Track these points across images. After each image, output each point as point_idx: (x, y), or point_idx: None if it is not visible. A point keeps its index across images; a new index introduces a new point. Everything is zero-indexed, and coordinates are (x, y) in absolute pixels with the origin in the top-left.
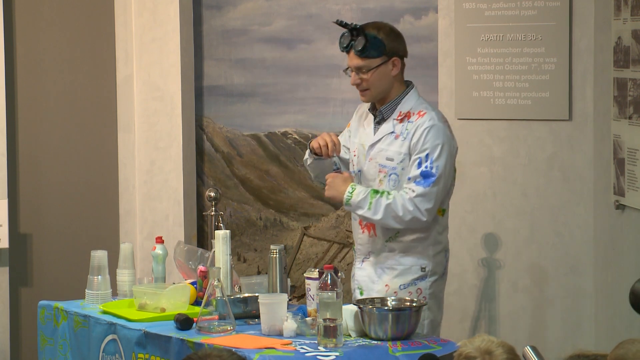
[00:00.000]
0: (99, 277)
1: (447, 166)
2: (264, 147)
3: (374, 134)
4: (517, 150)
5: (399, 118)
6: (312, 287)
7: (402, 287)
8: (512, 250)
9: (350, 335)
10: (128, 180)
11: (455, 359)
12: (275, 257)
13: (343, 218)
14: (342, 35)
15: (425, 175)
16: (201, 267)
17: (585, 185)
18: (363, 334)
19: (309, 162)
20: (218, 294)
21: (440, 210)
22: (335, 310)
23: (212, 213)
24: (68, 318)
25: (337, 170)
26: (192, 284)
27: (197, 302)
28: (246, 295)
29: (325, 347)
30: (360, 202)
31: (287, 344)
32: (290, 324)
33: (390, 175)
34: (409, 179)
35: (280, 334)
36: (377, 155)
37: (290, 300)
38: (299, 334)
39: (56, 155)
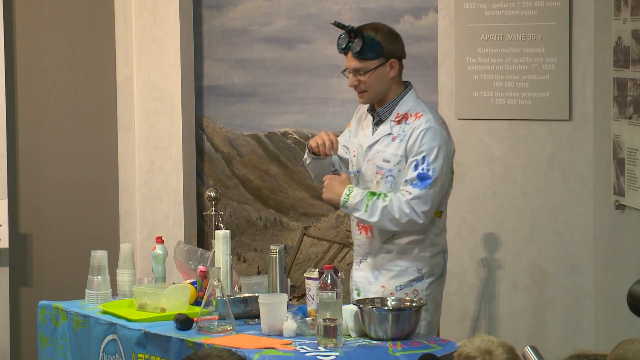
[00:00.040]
0: (99, 277)
1: (444, 168)
2: (264, 147)
3: (372, 135)
4: (517, 150)
5: (397, 120)
6: (312, 287)
7: (398, 288)
8: (512, 250)
9: (350, 335)
10: (128, 180)
11: (455, 359)
12: (275, 257)
13: (343, 218)
14: (340, 36)
15: (421, 178)
16: (201, 267)
17: (585, 185)
18: (363, 334)
19: (308, 162)
20: (218, 294)
21: (438, 212)
22: (335, 310)
23: (212, 213)
24: (68, 318)
25: (335, 172)
26: (192, 284)
27: (197, 302)
28: (246, 295)
29: (325, 347)
30: (357, 204)
31: (287, 344)
32: (290, 324)
33: (387, 177)
34: (406, 181)
35: (280, 334)
36: (375, 157)
37: (290, 300)
38: (299, 334)
39: (56, 155)
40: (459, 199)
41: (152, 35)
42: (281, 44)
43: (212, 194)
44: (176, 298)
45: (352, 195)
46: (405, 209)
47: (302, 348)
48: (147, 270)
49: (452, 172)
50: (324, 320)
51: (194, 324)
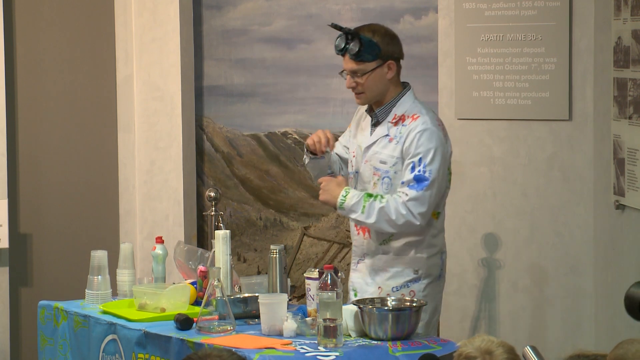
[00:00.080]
0: (99, 277)
1: (441, 170)
2: (264, 147)
3: (370, 135)
4: (517, 150)
5: (394, 121)
6: (312, 287)
7: (394, 289)
8: (512, 250)
9: (350, 335)
10: (128, 180)
11: (455, 359)
12: (275, 257)
13: (343, 218)
14: (337, 38)
15: (418, 179)
16: (201, 267)
17: (585, 185)
18: (363, 334)
19: (307, 162)
20: (218, 294)
21: (435, 214)
22: (335, 310)
23: (212, 213)
24: (68, 318)
25: (331, 174)
26: (192, 284)
27: (197, 302)
28: (246, 295)
29: (325, 347)
30: (354, 205)
31: (287, 344)
32: (290, 324)
33: (383, 178)
34: (402, 182)
35: (280, 334)
36: (372, 158)
37: (290, 300)
38: (299, 334)
39: (56, 155)
40: (459, 199)
41: (152, 35)
42: (281, 44)
43: (212, 194)
44: (176, 298)
45: (349, 196)
46: (402, 210)
47: (302, 348)
48: (147, 270)
49: (450, 174)
50: (324, 320)
51: (194, 324)
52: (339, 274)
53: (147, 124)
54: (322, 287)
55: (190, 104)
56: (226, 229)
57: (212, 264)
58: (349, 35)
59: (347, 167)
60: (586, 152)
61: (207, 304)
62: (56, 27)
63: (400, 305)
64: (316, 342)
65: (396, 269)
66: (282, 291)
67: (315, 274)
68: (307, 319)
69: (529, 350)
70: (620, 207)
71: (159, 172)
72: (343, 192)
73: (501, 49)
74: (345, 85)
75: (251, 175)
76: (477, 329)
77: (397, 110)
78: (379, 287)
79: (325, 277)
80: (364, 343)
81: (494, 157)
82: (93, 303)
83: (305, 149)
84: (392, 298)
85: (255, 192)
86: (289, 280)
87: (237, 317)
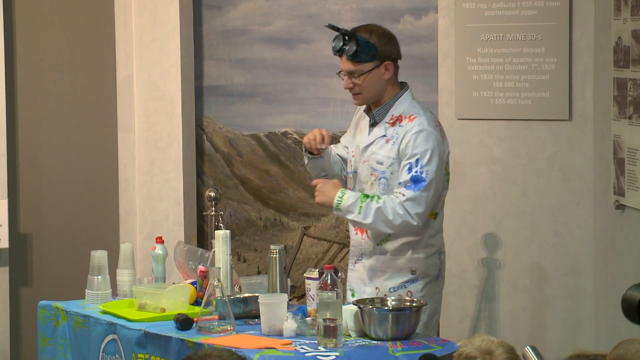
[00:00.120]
0: (99, 277)
1: (438, 171)
2: (264, 147)
3: (368, 136)
4: (517, 150)
5: (391, 121)
6: (312, 287)
7: (391, 289)
8: (512, 250)
9: (350, 335)
10: (128, 180)
11: (455, 359)
12: (275, 257)
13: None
14: (335, 39)
15: (415, 180)
16: (201, 267)
17: (585, 185)
18: (363, 334)
19: (307, 162)
20: (218, 294)
21: (432, 214)
22: (335, 310)
23: (212, 213)
24: (68, 318)
25: (325, 176)
26: (192, 284)
27: (197, 302)
28: (246, 295)
29: (325, 347)
30: (351, 206)
31: (287, 344)
32: (290, 324)
33: (380, 179)
34: (400, 183)
35: (280, 334)
36: (370, 158)
37: (290, 300)
38: (299, 334)
39: (56, 155)
40: (459, 199)
41: (152, 35)
42: (281, 44)
43: (212, 194)
44: (176, 298)
45: (345, 197)
46: (399, 210)
47: (302, 348)
48: (147, 270)
49: (448, 174)
50: (324, 320)
51: (194, 324)
52: (339, 274)
53: (147, 124)
54: (322, 287)
55: (190, 104)
56: (226, 229)
57: (212, 264)
58: (346, 36)
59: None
60: (586, 152)
61: (207, 304)
62: (56, 27)
63: (400, 305)
64: (316, 342)
65: (393, 269)
66: (282, 291)
67: (315, 274)
68: (307, 319)
69: (529, 350)
70: (620, 207)
71: (159, 172)
72: (339, 193)
73: (501, 49)
74: (343, 86)
75: (251, 175)
76: (477, 329)
77: (395, 111)
78: (377, 288)
79: (325, 277)
80: (364, 343)
81: (494, 157)
82: (93, 303)
83: (304, 149)
84: (392, 298)
85: (255, 192)
86: (289, 280)
87: (237, 317)
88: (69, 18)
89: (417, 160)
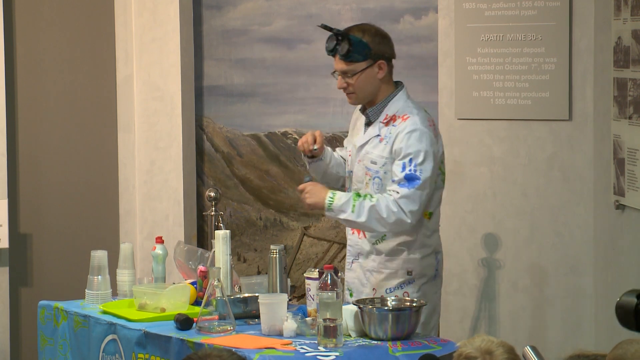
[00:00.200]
0: (99, 277)
1: (432, 170)
2: (264, 147)
3: (363, 135)
4: (517, 150)
5: (385, 121)
6: (312, 287)
7: (388, 290)
8: (512, 250)
9: (350, 335)
10: (128, 180)
11: (455, 359)
12: (275, 257)
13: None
14: (328, 39)
15: (409, 178)
16: (201, 267)
17: (585, 185)
18: (363, 334)
19: (308, 167)
20: (218, 294)
21: (427, 214)
22: (335, 310)
23: (212, 213)
24: (68, 318)
25: (309, 181)
26: (192, 284)
27: (197, 302)
28: (246, 295)
29: (325, 347)
30: (343, 205)
31: (287, 344)
32: (290, 324)
33: (374, 178)
34: (393, 181)
35: (280, 334)
36: (364, 158)
37: (290, 300)
38: (299, 334)
39: (56, 155)
40: (459, 199)
41: (152, 35)
42: (281, 44)
43: (212, 194)
44: (176, 298)
45: (337, 197)
46: (393, 207)
47: (302, 348)
48: (147, 270)
49: (443, 174)
50: (324, 320)
51: (194, 324)
52: (339, 274)
53: (147, 124)
54: (322, 287)
55: (190, 104)
56: (226, 229)
57: (212, 264)
58: (339, 35)
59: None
60: (586, 152)
61: (207, 304)
62: (56, 27)
63: (400, 305)
64: (316, 342)
65: (389, 270)
66: (282, 291)
67: (315, 274)
68: (307, 319)
69: (529, 350)
70: (620, 207)
71: (159, 172)
72: (330, 194)
73: (501, 49)
74: (337, 85)
75: (251, 175)
76: (477, 329)
77: (389, 111)
78: (374, 289)
79: (325, 277)
80: (364, 343)
81: (494, 157)
82: (93, 303)
83: (302, 154)
84: (392, 298)
85: (255, 192)
86: (289, 280)
87: (237, 317)
88: (69, 18)
89: (410, 160)
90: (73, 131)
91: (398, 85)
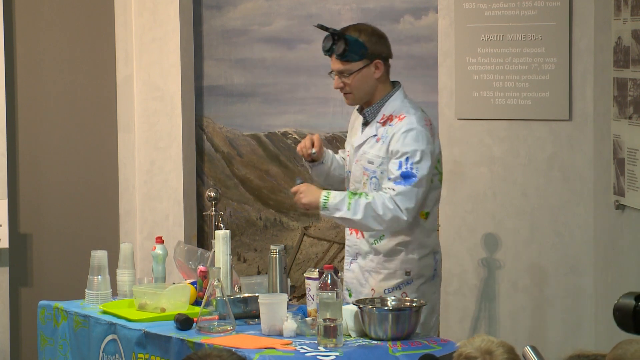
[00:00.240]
0: (99, 277)
1: (428, 169)
2: (264, 147)
3: (361, 135)
4: (517, 150)
5: (382, 121)
6: (312, 287)
7: (386, 291)
8: (512, 250)
9: (350, 335)
10: (128, 180)
11: (455, 359)
12: (275, 257)
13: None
14: (324, 39)
15: (405, 176)
16: (201, 267)
17: (585, 185)
18: (363, 334)
19: (310, 172)
20: (218, 294)
21: (424, 214)
22: (335, 310)
23: (212, 213)
24: (68, 318)
25: (301, 183)
26: (192, 284)
27: (197, 302)
28: (246, 295)
29: (325, 347)
30: (339, 203)
31: (287, 344)
32: (290, 324)
33: (371, 178)
34: (389, 179)
35: (280, 334)
36: (362, 158)
37: (290, 300)
38: (299, 334)
39: (56, 155)
40: (459, 199)
41: (152, 35)
42: (281, 44)
43: (212, 194)
44: (176, 298)
45: (332, 196)
46: (389, 204)
47: (302, 348)
48: (147, 270)
49: (440, 173)
50: (324, 320)
51: (194, 324)
52: (339, 274)
53: (147, 124)
54: (322, 287)
55: (190, 104)
56: (226, 229)
57: (212, 264)
58: (335, 35)
59: None
60: (586, 152)
61: (207, 304)
62: (56, 27)
63: (400, 305)
64: (316, 342)
65: (387, 270)
66: (282, 291)
67: (315, 274)
68: (307, 319)
69: (529, 350)
70: (620, 207)
71: (159, 172)
72: (324, 193)
73: (501, 49)
74: (333, 85)
75: (251, 175)
76: (477, 329)
77: (386, 110)
78: (372, 289)
79: (325, 277)
80: (364, 343)
81: (494, 157)
82: (93, 303)
83: (302, 159)
84: (392, 298)
85: (255, 192)
86: (289, 280)
87: (237, 317)
88: (69, 18)
89: (407, 159)
90: (73, 131)
91: (395, 85)
